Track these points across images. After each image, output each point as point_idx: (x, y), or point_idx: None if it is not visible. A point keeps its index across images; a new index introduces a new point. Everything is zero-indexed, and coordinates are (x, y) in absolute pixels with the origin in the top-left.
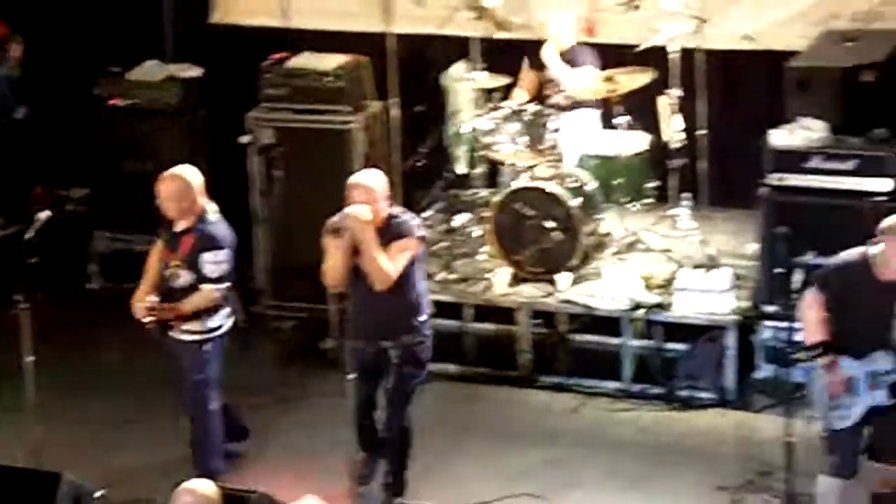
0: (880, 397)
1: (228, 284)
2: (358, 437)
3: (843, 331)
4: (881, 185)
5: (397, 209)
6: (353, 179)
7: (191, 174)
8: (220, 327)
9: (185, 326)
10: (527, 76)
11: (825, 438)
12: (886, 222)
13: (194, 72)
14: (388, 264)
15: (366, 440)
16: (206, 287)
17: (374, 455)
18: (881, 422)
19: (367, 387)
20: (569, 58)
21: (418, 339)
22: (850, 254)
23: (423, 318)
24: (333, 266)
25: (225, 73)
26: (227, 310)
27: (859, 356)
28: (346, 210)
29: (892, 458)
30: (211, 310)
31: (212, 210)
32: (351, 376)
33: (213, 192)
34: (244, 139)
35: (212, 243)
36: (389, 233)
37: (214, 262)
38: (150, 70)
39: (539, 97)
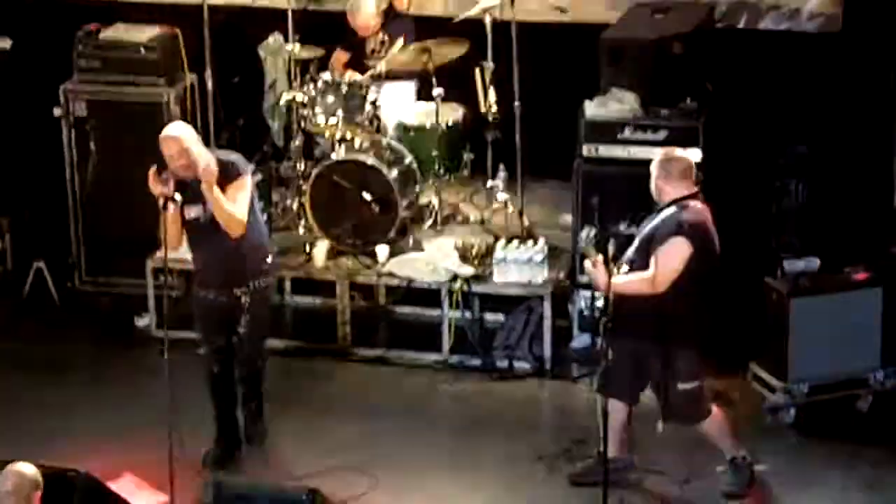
0: None
1: None
2: (212, 391)
3: None
4: (691, 155)
5: (222, 152)
6: (164, 133)
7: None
8: None
9: None
10: (337, 56)
11: None
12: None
13: (4, 43)
14: (237, 209)
15: (221, 393)
16: None
17: (228, 412)
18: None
19: (219, 336)
20: (386, 29)
21: (266, 282)
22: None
23: (269, 259)
24: (170, 228)
25: (36, 44)
26: None
27: None
28: (200, 165)
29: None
30: None
31: None
32: (166, 357)
33: (25, 166)
34: (57, 112)
35: None
36: (220, 176)
37: None
38: None
39: (357, 69)
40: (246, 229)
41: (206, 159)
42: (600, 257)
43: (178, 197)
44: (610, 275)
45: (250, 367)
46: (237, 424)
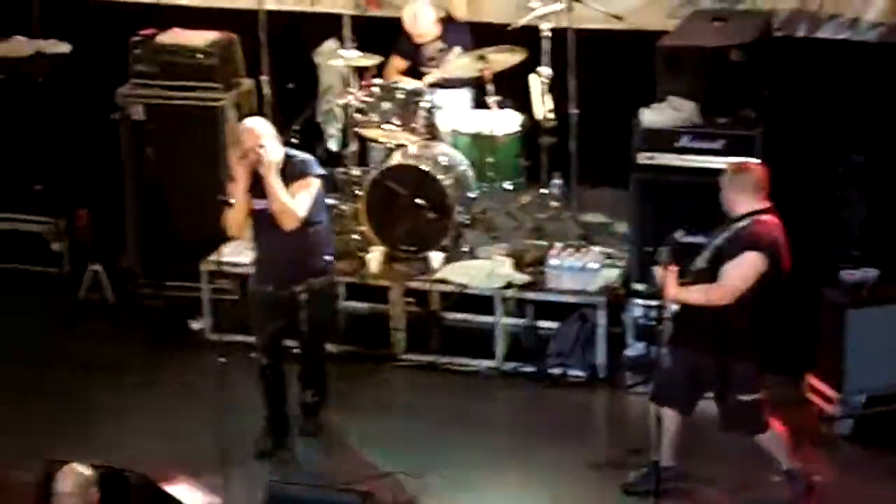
0: None
1: None
2: (262, 384)
3: None
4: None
5: (295, 151)
6: (242, 124)
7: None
8: None
9: None
10: (393, 63)
11: None
12: None
13: (63, 47)
14: (294, 203)
15: (270, 386)
16: None
17: (277, 406)
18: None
19: (275, 324)
20: (441, 36)
21: (326, 280)
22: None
23: (329, 258)
24: (235, 214)
25: (94, 48)
26: None
27: None
28: (259, 149)
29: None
30: None
31: None
32: (222, 360)
33: (83, 169)
34: (115, 116)
35: None
36: (288, 172)
37: None
38: (18, 45)
39: (413, 76)
40: (306, 228)
41: (272, 153)
42: (670, 268)
43: (231, 200)
44: (677, 284)
45: (310, 363)
46: (287, 419)
